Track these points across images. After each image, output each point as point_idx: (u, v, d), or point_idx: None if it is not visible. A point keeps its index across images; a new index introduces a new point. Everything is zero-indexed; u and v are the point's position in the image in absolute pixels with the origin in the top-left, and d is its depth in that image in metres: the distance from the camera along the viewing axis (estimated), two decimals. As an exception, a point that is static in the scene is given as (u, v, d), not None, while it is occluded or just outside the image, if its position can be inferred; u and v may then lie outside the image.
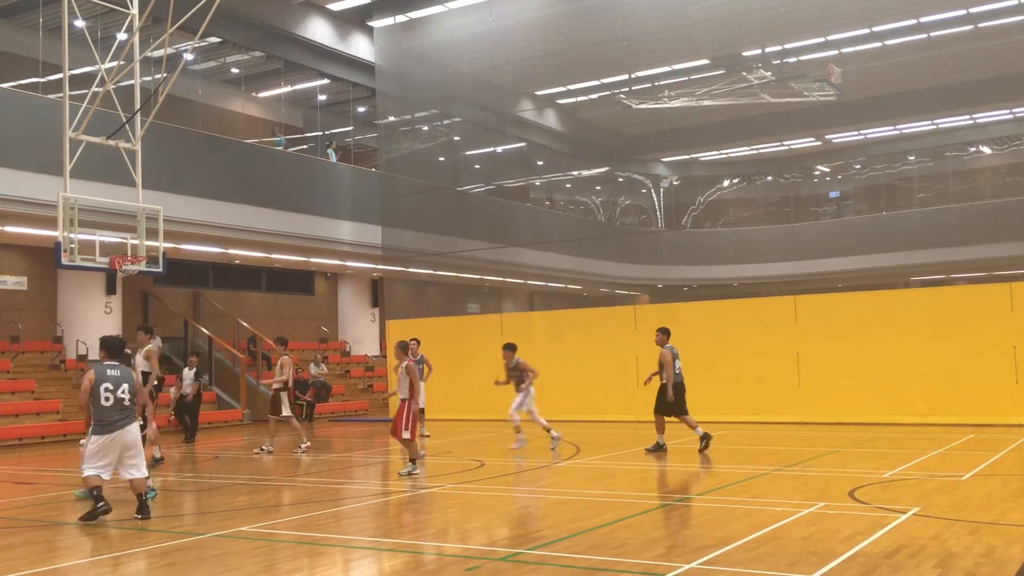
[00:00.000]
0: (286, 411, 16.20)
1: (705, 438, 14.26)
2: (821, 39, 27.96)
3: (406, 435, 12.40)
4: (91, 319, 23.27)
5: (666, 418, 14.60)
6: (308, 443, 16.35)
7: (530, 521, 8.71)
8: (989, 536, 7.44)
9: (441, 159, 33.92)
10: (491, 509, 9.84)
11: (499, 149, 34.55)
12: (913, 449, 13.94)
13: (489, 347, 23.89)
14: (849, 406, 18.74)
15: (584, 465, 13.36)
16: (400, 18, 27.63)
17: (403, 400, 12.52)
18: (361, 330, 31.65)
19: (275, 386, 16.26)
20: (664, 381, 14.51)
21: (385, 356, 26.72)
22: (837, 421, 18.52)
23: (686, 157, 40.50)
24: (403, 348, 13.09)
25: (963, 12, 26.07)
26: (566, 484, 11.39)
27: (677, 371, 14.50)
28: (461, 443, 17.29)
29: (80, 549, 8.14)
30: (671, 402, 14.38)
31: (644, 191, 41.22)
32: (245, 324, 27.12)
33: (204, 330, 26.35)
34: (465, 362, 23.34)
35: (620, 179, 41.34)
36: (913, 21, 26.59)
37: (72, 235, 13.99)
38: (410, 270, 29.20)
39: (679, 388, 14.48)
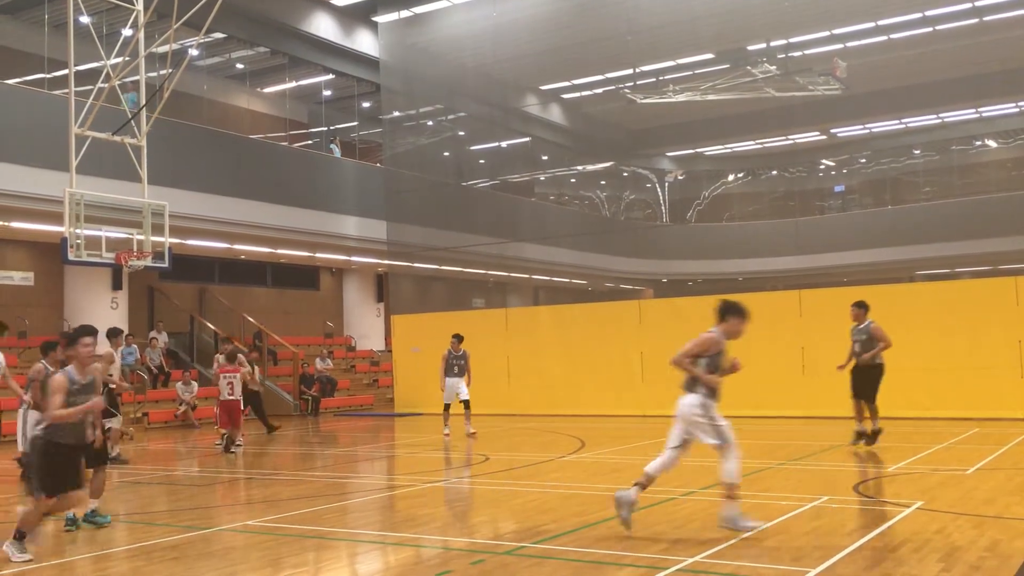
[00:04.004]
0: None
1: (875, 434, 13.20)
2: (826, 33, 27.90)
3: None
4: (97, 314, 23.29)
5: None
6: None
7: (535, 515, 8.73)
8: (993, 530, 7.44)
9: (446, 154, 33.93)
10: (496, 503, 9.87)
11: (504, 144, 34.54)
12: (918, 443, 13.95)
13: (493, 342, 23.98)
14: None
15: (589, 459, 13.39)
16: (404, 13, 27.63)
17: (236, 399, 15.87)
18: (366, 325, 31.69)
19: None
20: (879, 360, 13.24)
21: (391, 351, 26.75)
22: (842, 415, 18.46)
23: (691, 151, 40.47)
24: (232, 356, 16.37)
25: (969, 5, 26.00)
26: (571, 478, 11.42)
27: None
28: (465, 437, 17.32)
29: (87, 543, 8.18)
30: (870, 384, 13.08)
31: (649, 186, 41.22)
32: (251, 319, 27.18)
33: (210, 325, 26.41)
34: (469, 357, 23.33)
35: (625, 174, 41.33)
36: (919, 15, 26.51)
37: (78, 231, 14.05)
38: (415, 265, 29.23)
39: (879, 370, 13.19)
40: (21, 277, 23.37)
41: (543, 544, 7.37)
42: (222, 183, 22.71)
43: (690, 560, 6.65)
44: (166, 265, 15.33)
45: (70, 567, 7.23)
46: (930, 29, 27.38)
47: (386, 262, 28.57)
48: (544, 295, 38.49)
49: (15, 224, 20.37)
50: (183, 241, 22.12)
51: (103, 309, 23.50)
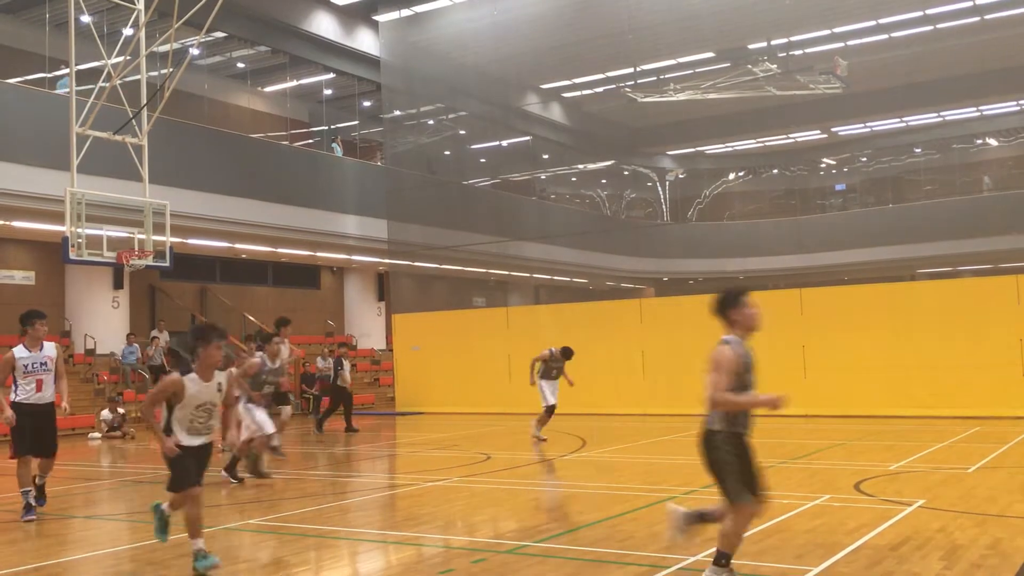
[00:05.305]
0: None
1: None
2: (827, 31, 27.91)
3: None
4: (98, 314, 23.37)
5: None
6: None
7: (536, 514, 8.74)
8: (995, 528, 7.44)
9: (447, 153, 33.93)
10: (497, 502, 9.86)
11: (504, 143, 34.55)
12: (919, 441, 13.94)
13: (494, 341, 24.00)
14: (855, 399, 18.72)
15: (590, 458, 13.39)
16: (405, 12, 27.65)
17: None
18: (367, 324, 31.71)
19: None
20: None
21: (392, 350, 26.75)
22: (843, 414, 18.50)
23: (692, 150, 40.46)
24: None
25: (970, 4, 26.01)
26: (572, 477, 11.43)
27: None
28: (467, 436, 17.32)
29: (89, 542, 8.19)
30: None
31: (650, 184, 41.21)
32: (252, 318, 27.18)
33: (211, 324, 26.43)
34: (470, 356, 23.36)
35: (626, 172, 41.32)
36: (919, 13, 26.52)
37: (79, 230, 14.07)
38: (416, 264, 29.24)
39: None
40: (22, 276, 23.38)
41: (544, 543, 7.37)
42: (223, 182, 22.73)
43: (691, 559, 6.65)
44: (167, 264, 15.35)
45: (74, 566, 7.23)
46: (931, 27, 27.38)
47: (387, 261, 28.58)
48: (545, 294, 38.48)
49: (16, 223, 20.38)
50: (184, 240, 22.14)
51: (104, 308, 23.53)
